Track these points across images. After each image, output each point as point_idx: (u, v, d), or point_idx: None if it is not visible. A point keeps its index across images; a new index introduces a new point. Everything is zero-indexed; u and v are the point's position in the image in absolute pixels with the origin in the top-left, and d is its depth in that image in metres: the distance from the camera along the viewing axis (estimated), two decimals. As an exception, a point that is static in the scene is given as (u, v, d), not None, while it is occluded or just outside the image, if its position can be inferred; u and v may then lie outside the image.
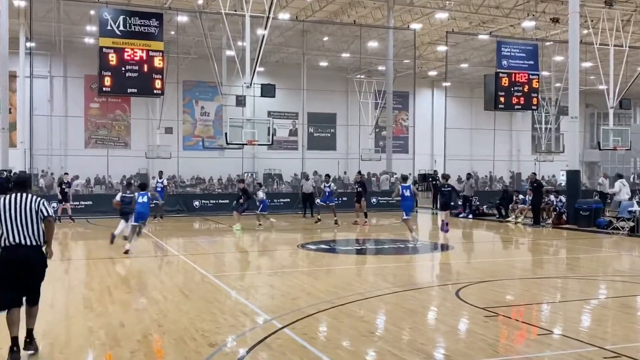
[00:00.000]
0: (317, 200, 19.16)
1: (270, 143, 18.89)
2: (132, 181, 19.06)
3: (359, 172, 20.40)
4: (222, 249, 13.54)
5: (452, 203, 17.08)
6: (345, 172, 34.19)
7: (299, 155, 30.91)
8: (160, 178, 20.40)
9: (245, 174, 31.40)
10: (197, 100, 35.21)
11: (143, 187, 12.96)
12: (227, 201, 21.45)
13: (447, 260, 11.82)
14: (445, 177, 16.72)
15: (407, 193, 13.63)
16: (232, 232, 16.26)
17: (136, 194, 12.78)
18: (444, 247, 13.49)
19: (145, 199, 12.49)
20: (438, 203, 18.24)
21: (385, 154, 30.40)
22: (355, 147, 30.27)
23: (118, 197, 13.04)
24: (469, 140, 40.06)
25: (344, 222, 18.73)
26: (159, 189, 19.50)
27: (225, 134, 18.06)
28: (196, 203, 22.25)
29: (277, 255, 12.42)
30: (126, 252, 11.61)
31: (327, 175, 19.99)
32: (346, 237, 15.75)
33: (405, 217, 13.57)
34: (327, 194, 18.83)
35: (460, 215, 21.21)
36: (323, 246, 13.18)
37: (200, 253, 12.37)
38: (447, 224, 15.46)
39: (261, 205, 17.60)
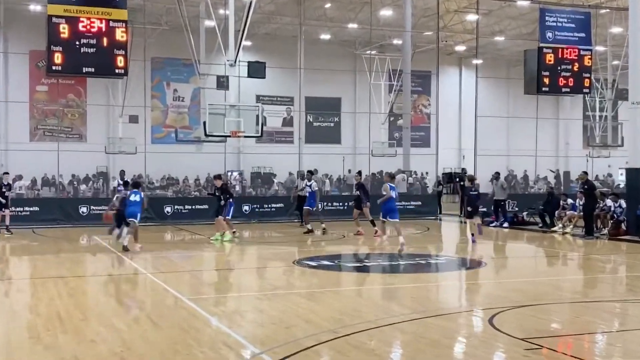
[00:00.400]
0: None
1: (259, 135, 18.86)
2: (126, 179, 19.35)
3: (359, 173, 20.45)
4: (199, 266, 13.56)
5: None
6: (349, 171, 34.26)
7: (295, 150, 30.93)
8: (122, 179, 20.41)
9: (229, 173, 31.42)
10: (168, 81, 35.28)
11: (137, 185, 15.43)
12: (206, 207, 21.44)
13: (477, 279, 11.83)
14: (471, 178, 17.82)
15: (394, 194, 14.87)
16: (214, 244, 16.28)
17: (128, 192, 15.14)
18: (474, 264, 13.50)
19: (137, 198, 14.80)
20: (464, 209, 18.87)
21: (402, 149, 30.38)
22: (365, 139, 30.28)
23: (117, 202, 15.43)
24: (505, 131, 40.12)
25: (350, 232, 18.77)
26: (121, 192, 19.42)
27: (204, 123, 18.06)
28: (168, 209, 22.28)
29: (268, 273, 12.44)
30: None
31: (310, 172, 19.97)
32: (353, 251, 15.76)
33: (390, 219, 14.60)
34: (308, 195, 18.91)
35: (492, 224, 21.24)
36: (325, 262, 13.20)
37: (173, 271, 12.39)
38: (480, 232, 16.66)
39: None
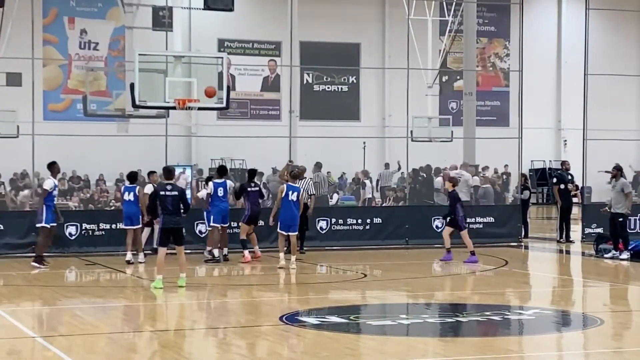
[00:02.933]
0: None
1: (223, 106, 18.90)
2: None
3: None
4: (123, 325, 13.55)
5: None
6: (387, 165, 34.00)
7: (284, 131, 30.86)
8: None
9: (177, 169, 31.37)
10: (72, 17, 35.26)
11: (133, 178, 20.10)
12: (138, 226, 21.46)
13: (587, 346, 11.83)
14: (450, 178, 20.85)
15: (294, 197, 18.68)
16: (150, 290, 16.36)
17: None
18: (583, 321, 13.55)
19: (132, 196, 19.54)
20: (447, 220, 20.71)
21: (463, 129, 30.25)
22: (400, 113, 30.20)
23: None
24: (636, 99, 40.04)
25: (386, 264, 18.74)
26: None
27: (131, 86, 18.09)
28: (71, 229, 22.28)
29: (239, 340, 12.43)
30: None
31: (224, 167, 21.30)
32: (380, 298, 15.84)
33: (285, 231, 18.91)
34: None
35: (609, 255, 21.19)
36: (333, 318, 13.19)
37: (80, 333, 12.39)
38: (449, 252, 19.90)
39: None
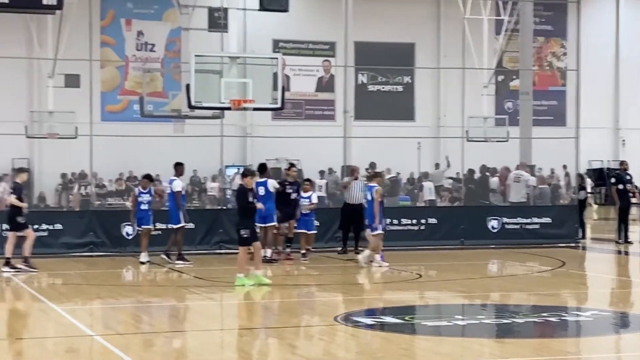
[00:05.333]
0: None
1: (278, 106, 18.93)
2: None
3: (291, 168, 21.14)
4: (180, 325, 13.69)
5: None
6: (437, 165, 33.88)
7: (338, 131, 30.85)
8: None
9: (227, 170, 31.50)
10: (129, 19, 35.56)
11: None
12: (192, 226, 21.61)
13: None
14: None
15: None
16: (205, 290, 16.43)
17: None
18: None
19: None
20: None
21: (519, 128, 29.97)
22: (455, 114, 30.09)
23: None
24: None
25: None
26: None
27: (187, 87, 18.20)
28: (128, 229, 22.47)
29: (294, 339, 12.46)
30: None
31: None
32: (435, 299, 15.87)
33: (374, 231, 19.08)
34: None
35: None
36: (387, 319, 13.21)
37: (136, 332, 12.54)
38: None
39: None
